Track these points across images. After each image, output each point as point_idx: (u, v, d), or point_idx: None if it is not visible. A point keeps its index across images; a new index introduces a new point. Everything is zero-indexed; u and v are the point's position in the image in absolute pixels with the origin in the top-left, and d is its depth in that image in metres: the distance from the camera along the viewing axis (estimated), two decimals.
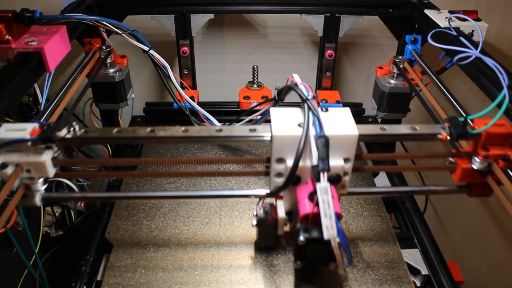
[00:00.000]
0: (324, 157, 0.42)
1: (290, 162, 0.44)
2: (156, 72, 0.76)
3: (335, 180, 0.44)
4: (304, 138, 0.42)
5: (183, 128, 0.46)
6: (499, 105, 0.46)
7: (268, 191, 0.48)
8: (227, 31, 1.10)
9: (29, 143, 0.44)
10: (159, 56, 0.72)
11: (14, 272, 0.72)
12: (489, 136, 0.47)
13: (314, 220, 0.43)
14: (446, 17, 0.72)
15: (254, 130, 0.46)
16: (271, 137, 0.44)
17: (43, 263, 0.80)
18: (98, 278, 0.58)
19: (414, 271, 0.60)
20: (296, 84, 0.48)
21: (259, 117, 0.69)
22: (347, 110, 0.47)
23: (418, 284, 0.60)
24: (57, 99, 0.61)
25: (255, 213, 0.50)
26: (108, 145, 0.86)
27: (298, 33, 1.11)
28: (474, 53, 0.56)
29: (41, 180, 0.47)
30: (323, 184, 0.41)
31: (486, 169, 0.48)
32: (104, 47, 0.77)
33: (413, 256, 0.62)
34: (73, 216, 0.82)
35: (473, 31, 0.69)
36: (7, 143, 0.43)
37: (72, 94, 0.64)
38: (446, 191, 0.52)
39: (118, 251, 0.57)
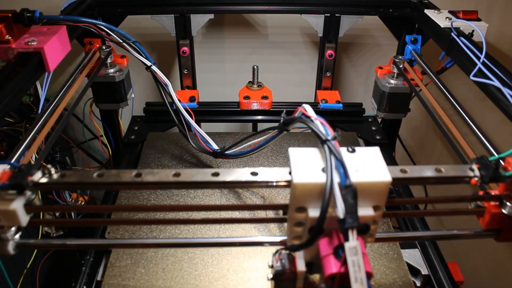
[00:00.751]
0: (353, 211, 0.35)
1: (312, 212, 0.39)
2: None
3: (363, 230, 0.39)
4: (329, 188, 0.36)
5: (173, 172, 0.41)
6: None
7: (283, 237, 0.44)
8: (227, 31, 1.10)
9: None
10: (161, 73, 0.69)
11: (14, 272, 0.72)
12: None
13: (341, 280, 0.38)
14: (446, 17, 0.72)
15: (256, 174, 0.40)
16: (290, 184, 0.38)
17: (43, 263, 0.80)
18: (98, 278, 0.58)
19: (414, 271, 0.60)
20: (309, 117, 0.41)
21: (261, 143, 0.61)
22: (377, 150, 0.40)
23: (418, 284, 0.60)
24: (57, 99, 0.61)
25: (270, 264, 0.45)
26: (108, 145, 0.86)
27: (298, 33, 1.11)
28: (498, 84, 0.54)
29: (13, 228, 0.41)
30: (353, 244, 0.35)
31: None
32: (104, 47, 0.77)
33: (413, 256, 0.62)
34: (73, 216, 0.82)
35: (473, 31, 0.69)
36: None
37: (72, 94, 0.64)
38: (471, 235, 0.47)
39: (118, 251, 0.57)
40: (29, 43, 0.56)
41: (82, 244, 0.48)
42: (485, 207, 0.44)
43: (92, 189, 0.43)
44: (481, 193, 0.45)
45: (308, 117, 0.42)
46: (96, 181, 0.41)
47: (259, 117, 0.87)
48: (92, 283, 0.57)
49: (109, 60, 0.78)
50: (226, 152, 0.67)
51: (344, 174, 0.36)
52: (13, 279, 0.72)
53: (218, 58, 1.14)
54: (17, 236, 0.42)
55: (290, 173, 0.39)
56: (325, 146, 0.38)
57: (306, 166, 0.39)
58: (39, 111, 0.61)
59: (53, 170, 0.40)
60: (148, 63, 0.68)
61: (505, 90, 0.51)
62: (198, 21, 0.85)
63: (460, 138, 0.59)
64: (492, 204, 0.43)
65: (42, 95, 0.63)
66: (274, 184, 0.39)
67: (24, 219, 0.39)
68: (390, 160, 0.83)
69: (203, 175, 0.40)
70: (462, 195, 0.45)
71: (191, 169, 0.41)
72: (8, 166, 0.39)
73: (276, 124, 0.51)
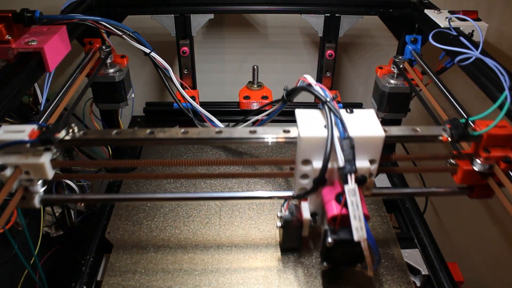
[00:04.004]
0: (351, 158, 0.41)
1: (316, 163, 0.44)
2: (156, 72, 0.76)
3: (361, 181, 0.43)
4: (330, 140, 0.42)
5: (182, 130, 0.46)
6: (500, 107, 0.46)
7: (289, 192, 0.49)
8: (227, 31, 1.10)
9: (28, 145, 0.43)
10: (160, 58, 0.71)
11: (14, 272, 0.72)
12: (491, 138, 0.46)
13: (342, 221, 0.43)
14: (446, 17, 0.72)
15: (254, 132, 0.46)
16: (298, 138, 0.44)
17: (43, 263, 0.80)
18: (98, 278, 0.58)
19: (414, 271, 0.60)
20: (310, 85, 0.47)
21: (265, 117, 0.67)
22: (372, 112, 0.47)
23: (418, 284, 0.60)
24: (57, 99, 0.61)
25: (279, 215, 0.50)
26: (108, 146, 0.86)
27: (298, 33, 1.11)
28: (475, 54, 0.56)
29: (40, 182, 0.46)
30: (351, 186, 0.41)
31: (487, 171, 0.47)
32: (104, 47, 0.77)
33: (413, 256, 0.62)
34: (73, 216, 0.82)
35: (473, 31, 0.69)
36: (6, 145, 0.43)
37: (72, 94, 0.64)
38: (447, 193, 0.52)
39: (118, 251, 0.57)
40: (29, 43, 0.56)
41: (100, 198, 0.57)
42: (458, 165, 0.49)
43: (111, 144, 0.53)
44: (455, 153, 0.49)
45: (309, 84, 0.48)
46: (114, 138, 0.46)
47: (259, 117, 0.87)
48: (92, 283, 0.57)
49: (109, 60, 0.78)
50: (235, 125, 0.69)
51: (343, 128, 0.43)
52: (13, 279, 0.72)
53: (218, 58, 1.14)
54: (42, 190, 0.47)
55: (297, 129, 0.45)
56: (325, 106, 0.44)
57: (310, 123, 0.45)
58: (41, 109, 0.61)
59: (76, 129, 0.46)
60: (147, 50, 0.70)
61: (487, 60, 0.54)
62: (198, 21, 0.85)
63: None
64: (464, 161, 0.48)
65: (44, 95, 0.63)
66: (271, 140, 0.46)
67: (50, 172, 0.45)
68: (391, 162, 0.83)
69: (208, 132, 0.46)
70: (438, 154, 0.50)
71: (198, 128, 0.47)
72: (37, 126, 0.45)
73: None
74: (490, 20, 0.79)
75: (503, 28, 1.03)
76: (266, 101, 0.85)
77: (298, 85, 0.51)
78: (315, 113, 0.46)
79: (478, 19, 0.72)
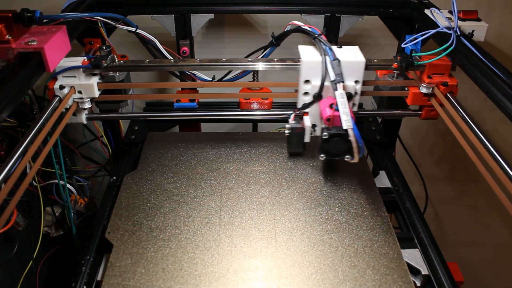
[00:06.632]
0: (339, 73, 0.58)
1: (314, 82, 0.60)
2: (155, 72, 0.76)
3: (348, 97, 0.58)
4: (324, 61, 0.58)
5: (198, 59, 0.68)
6: (445, 50, 0.64)
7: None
8: (227, 31, 1.10)
9: (81, 69, 0.62)
10: (146, 33, 0.76)
11: (14, 272, 0.72)
12: (432, 67, 0.65)
13: (334, 122, 0.57)
14: (446, 17, 0.72)
15: (251, 61, 0.69)
16: (301, 63, 0.61)
17: (43, 263, 0.80)
18: (98, 278, 0.58)
19: (414, 271, 0.60)
20: (298, 26, 0.64)
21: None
22: (357, 48, 0.63)
23: (418, 284, 0.60)
24: (57, 98, 0.61)
25: (287, 126, 0.64)
26: (108, 145, 0.86)
27: (298, 33, 1.11)
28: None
29: (88, 100, 0.65)
30: (340, 91, 0.57)
31: (431, 93, 0.66)
32: (104, 47, 0.77)
33: (413, 256, 0.62)
34: (73, 215, 0.82)
35: (473, 31, 0.69)
36: (65, 69, 0.62)
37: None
38: (402, 114, 0.74)
39: (118, 251, 0.57)
40: (29, 43, 0.56)
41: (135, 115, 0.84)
42: (408, 90, 0.68)
43: (144, 70, 0.70)
44: (405, 80, 0.70)
45: (298, 25, 0.66)
46: (146, 65, 0.68)
47: (259, 117, 0.87)
48: (92, 283, 0.57)
49: None
50: (224, 79, 0.80)
51: (332, 53, 0.60)
52: (13, 279, 0.72)
53: (218, 58, 1.14)
54: (88, 107, 0.67)
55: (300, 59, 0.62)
56: (316, 40, 0.61)
57: (310, 53, 0.62)
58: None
59: (116, 59, 0.67)
60: (133, 29, 0.75)
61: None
62: (198, 21, 0.85)
63: (460, 138, 0.59)
64: (413, 87, 0.68)
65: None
66: (261, 67, 0.70)
67: (97, 92, 0.66)
68: (390, 160, 0.83)
69: (216, 61, 0.69)
70: (393, 81, 0.71)
71: (208, 58, 0.70)
72: (86, 58, 0.65)
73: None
74: (490, 20, 0.79)
75: (503, 28, 1.03)
76: (266, 101, 0.85)
77: (287, 29, 0.67)
78: (313, 49, 0.63)
79: (478, 19, 0.72)
